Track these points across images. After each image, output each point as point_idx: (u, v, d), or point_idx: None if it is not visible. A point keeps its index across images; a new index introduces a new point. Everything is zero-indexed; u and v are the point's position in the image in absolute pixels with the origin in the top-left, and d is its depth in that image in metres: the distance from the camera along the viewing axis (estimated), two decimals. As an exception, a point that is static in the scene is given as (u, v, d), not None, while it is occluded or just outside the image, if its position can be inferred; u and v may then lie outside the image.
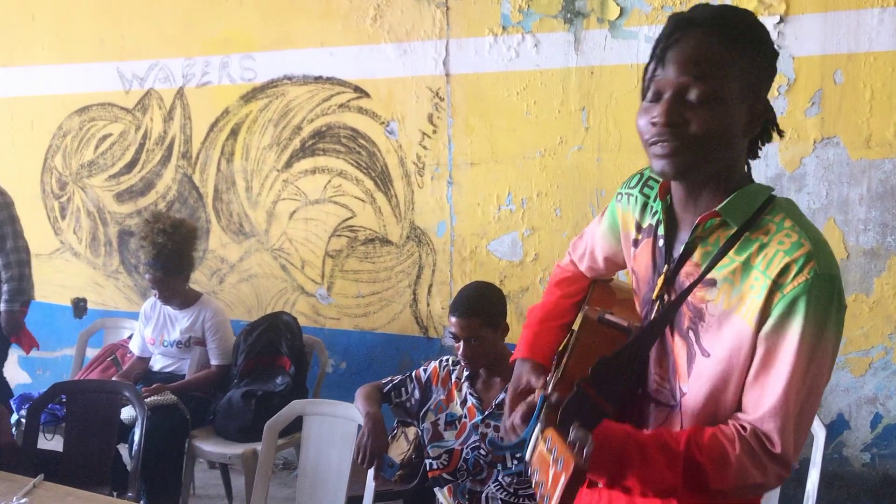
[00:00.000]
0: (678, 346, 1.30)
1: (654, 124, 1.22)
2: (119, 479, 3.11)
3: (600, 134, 3.41)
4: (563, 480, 1.05)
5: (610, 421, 1.23)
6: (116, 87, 4.55)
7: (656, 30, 3.25)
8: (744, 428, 1.21)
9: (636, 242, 1.43)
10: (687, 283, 1.28)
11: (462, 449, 2.49)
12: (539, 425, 1.20)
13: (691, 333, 1.27)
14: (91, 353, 4.27)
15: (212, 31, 4.23)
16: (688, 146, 1.21)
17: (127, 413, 3.31)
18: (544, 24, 3.46)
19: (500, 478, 2.44)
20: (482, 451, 2.45)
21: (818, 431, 2.70)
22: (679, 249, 1.32)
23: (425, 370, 2.65)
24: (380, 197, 3.94)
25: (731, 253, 1.24)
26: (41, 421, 3.16)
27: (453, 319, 2.46)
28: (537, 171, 3.55)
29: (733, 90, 1.21)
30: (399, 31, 3.77)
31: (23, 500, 1.98)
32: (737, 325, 1.22)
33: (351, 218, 4.03)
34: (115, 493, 3.04)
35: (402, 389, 2.65)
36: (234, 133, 4.27)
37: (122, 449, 3.33)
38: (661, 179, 1.36)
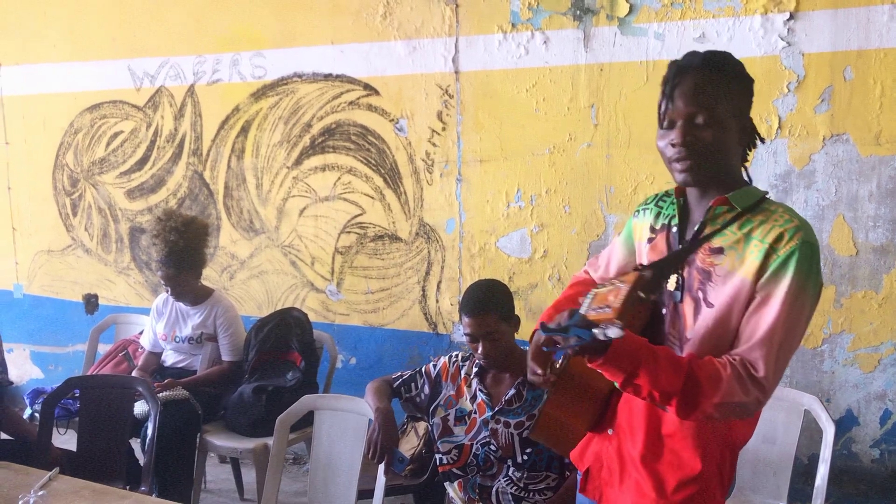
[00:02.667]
0: (687, 306, 1.63)
1: (673, 145, 1.59)
2: (131, 474, 3.14)
3: (609, 131, 3.42)
4: (627, 286, 1.47)
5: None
6: (128, 84, 4.58)
7: (666, 26, 3.26)
8: (734, 357, 1.53)
9: (651, 240, 1.76)
10: (699, 252, 1.62)
11: (472, 444, 2.50)
12: (594, 289, 1.62)
13: (699, 292, 1.61)
14: (102, 348, 4.31)
15: (222, 28, 4.26)
16: (699, 159, 1.59)
17: (139, 408, 3.34)
18: (554, 21, 3.47)
19: (509, 473, 2.46)
20: (492, 447, 2.47)
21: (827, 427, 2.71)
22: (691, 233, 1.67)
23: (435, 366, 2.67)
24: (389, 194, 3.96)
25: (734, 228, 1.60)
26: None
27: (468, 319, 2.45)
28: (546, 168, 3.56)
29: (726, 112, 1.58)
30: (409, 28, 3.79)
31: (40, 493, 2.01)
32: (737, 281, 1.56)
33: (360, 215, 4.05)
34: (127, 488, 3.07)
35: (412, 384, 2.67)
36: (244, 130, 4.30)
37: (134, 443, 3.36)
38: (672, 194, 1.76)
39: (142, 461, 3.20)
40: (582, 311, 1.49)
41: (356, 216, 4.06)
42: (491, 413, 2.49)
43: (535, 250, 3.62)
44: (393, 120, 3.89)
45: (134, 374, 3.72)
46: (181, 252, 3.57)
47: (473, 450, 2.50)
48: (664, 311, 1.67)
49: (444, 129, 3.77)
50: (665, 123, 1.61)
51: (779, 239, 1.53)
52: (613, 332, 1.36)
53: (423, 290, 3.92)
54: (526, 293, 3.64)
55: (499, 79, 3.62)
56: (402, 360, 3.97)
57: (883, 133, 2.98)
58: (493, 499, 2.48)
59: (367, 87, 3.94)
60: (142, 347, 3.89)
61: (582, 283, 1.99)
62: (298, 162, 4.17)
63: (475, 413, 2.53)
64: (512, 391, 2.49)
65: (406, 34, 3.80)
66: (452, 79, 3.72)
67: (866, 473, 3.17)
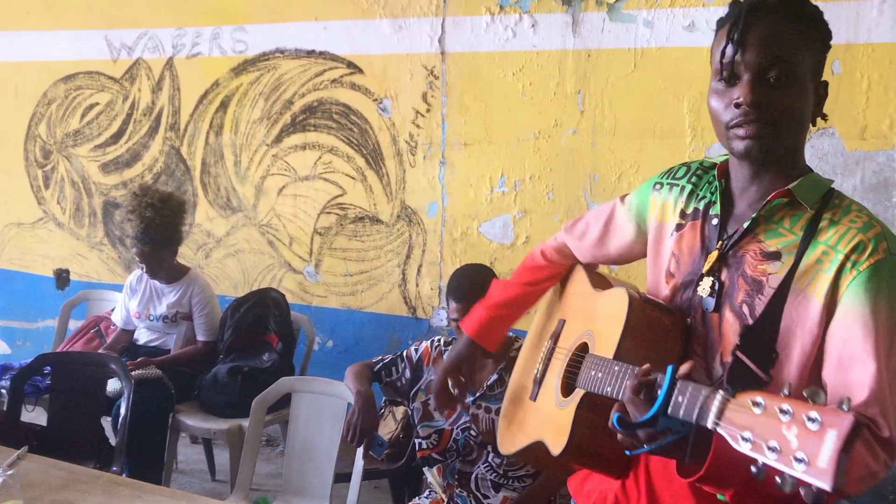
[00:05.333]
0: (728, 322, 1.30)
1: (737, 105, 1.24)
2: (101, 452, 3.08)
3: (595, 118, 3.40)
4: (838, 440, 0.89)
5: None
6: (104, 55, 4.47)
7: (655, 13, 3.23)
8: None
9: (679, 227, 1.43)
10: (748, 254, 1.29)
11: (452, 429, 2.48)
12: (723, 392, 1.05)
13: (745, 306, 1.28)
14: (74, 324, 4.23)
15: (203, 1, 4.16)
16: (772, 127, 1.24)
17: (110, 386, 3.27)
18: (542, 5, 3.43)
19: (489, 459, 2.44)
20: (472, 432, 2.45)
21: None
22: (733, 227, 1.34)
23: (416, 350, 2.64)
24: (371, 175, 3.91)
25: (795, 228, 1.26)
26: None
27: (456, 305, 2.43)
28: (531, 154, 3.53)
29: (806, 70, 1.26)
30: (395, 6, 3.73)
31: (9, 472, 1.95)
32: (801, 299, 1.23)
33: (341, 195, 4.00)
34: (97, 466, 3.02)
35: (393, 368, 2.63)
36: (223, 106, 4.22)
37: (104, 422, 3.29)
38: (708, 169, 1.43)
39: (112, 440, 3.14)
40: (708, 422, 1.04)
41: (336, 197, 4.01)
42: (472, 398, 2.46)
43: (518, 236, 3.60)
44: (376, 100, 3.83)
45: (102, 351, 3.65)
46: (157, 228, 3.50)
47: (454, 435, 2.48)
48: (688, 320, 1.36)
49: (428, 110, 3.72)
50: (725, 76, 1.26)
51: (859, 248, 1.20)
52: (811, 499, 0.91)
53: (404, 274, 3.88)
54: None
55: (485, 61, 3.58)
56: (380, 343, 3.94)
57: (868, 128, 2.99)
58: (473, 485, 2.46)
59: (350, 65, 3.88)
60: (114, 324, 3.82)
61: (544, 270, 1.73)
62: (278, 140, 4.10)
63: (456, 398, 2.50)
64: (494, 376, 2.46)
65: (392, 13, 3.74)
66: (438, 60, 3.67)
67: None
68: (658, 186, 1.49)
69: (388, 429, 3.06)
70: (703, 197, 1.40)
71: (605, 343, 1.40)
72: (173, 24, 4.25)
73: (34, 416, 3.42)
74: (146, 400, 3.25)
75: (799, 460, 0.91)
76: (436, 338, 2.65)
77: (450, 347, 2.58)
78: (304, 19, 3.94)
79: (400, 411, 3.10)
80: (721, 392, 1.04)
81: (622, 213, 1.58)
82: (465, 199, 3.69)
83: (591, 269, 1.73)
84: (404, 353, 2.65)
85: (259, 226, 4.23)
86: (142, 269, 3.61)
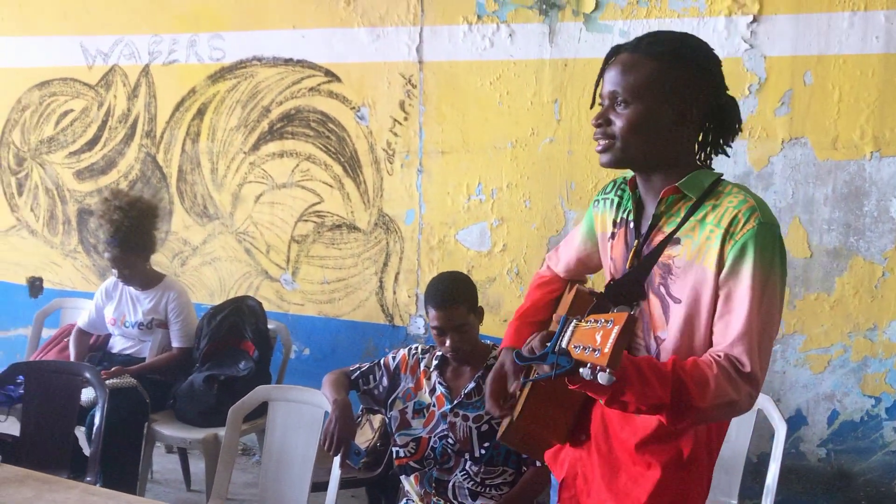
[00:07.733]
0: (653, 303, 1.56)
1: (593, 126, 1.56)
2: (75, 463, 3.05)
3: (572, 126, 3.42)
4: (616, 329, 1.27)
5: None
6: (79, 62, 4.44)
7: (631, 24, 3.26)
8: (718, 355, 1.46)
9: (613, 235, 1.69)
10: (656, 244, 1.56)
11: (430, 437, 2.48)
12: (574, 321, 1.39)
13: (662, 288, 1.55)
14: (47, 333, 4.18)
15: (180, 7, 4.15)
16: (613, 140, 1.53)
17: (84, 395, 3.24)
18: (519, 15, 3.46)
19: (467, 467, 2.44)
20: (450, 440, 2.45)
21: (779, 426, 2.75)
22: (646, 226, 1.60)
23: (394, 357, 2.63)
24: (348, 183, 3.91)
25: (688, 216, 1.53)
26: (-4, 401, 3.09)
27: (436, 313, 2.42)
28: (508, 162, 3.55)
29: (654, 92, 1.50)
30: (373, 15, 3.73)
31: (-19, 483, 1.93)
32: (699, 271, 1.50)
33: (318, 203, 3.99)
34: (71, 477, 2.98)
35: (371, 377, 2.63)
36: (200, 113, 4.20)
37: (78, 432, 3.26)
38: (627, 181, 1.68)
39: (86, 450, 3.11)
40: (563, 344, 1.36)
41: (314, 204, 4.00)
42: (450, 406, 2.46)
43: (495, 244, 3.61)
44: (354, 108, 3.84)
45: (72, 358, 3.61)
46: (126, 232, 3.47)
47: (431, 443, 2.47)
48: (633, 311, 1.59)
49: (406, 119, 3.73)
50: (597, 104, 1.60)
51: (734, 221, 1.46)
52: (604, 379, 1.27)
53: (381, 282, 3.88)
54: (484, 287, 3.63)
55: (463, 70, 3.59)
56: (357, 351, 3.93)
57: (840, 138, 3.03)
58: (450, 493, 2.46)
59: (328, 73, 3.88)
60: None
61: (548, 283, 1.95)
62: (256, 147, 4.09)
63: (434, 406, 2.50)
64: (472, 384, 2.47)
65: (370, 21, 3.74)
66: (416, 68, 3.68)
67: (812, 472, 3.24)
68: (595, 203, 1.78)
69: (365, 437, 3.05)
70: (626, 207, 1.67)
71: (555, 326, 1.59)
72: (149, 31, 4.23)
73: (7, 425, 3.37)
74: (120, 409, 3.23)
75: (595, 350, 1.29)
76: (413, 346, 2.65)
77: (426, 354, 2.58)
78: (281, 27, 3.94)
79: (377, 419, 3.10)
80: (575, 320, 1.38)
81: (580, 234, 1.87)
82: (443, 206, 3.70)
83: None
84: (382, 361, 2.64)
85: (236, 233, 4.21)
86: (115, 274, 3.57)
